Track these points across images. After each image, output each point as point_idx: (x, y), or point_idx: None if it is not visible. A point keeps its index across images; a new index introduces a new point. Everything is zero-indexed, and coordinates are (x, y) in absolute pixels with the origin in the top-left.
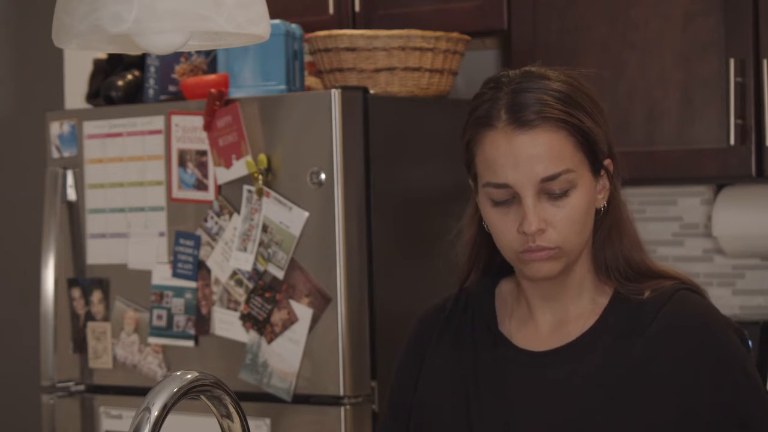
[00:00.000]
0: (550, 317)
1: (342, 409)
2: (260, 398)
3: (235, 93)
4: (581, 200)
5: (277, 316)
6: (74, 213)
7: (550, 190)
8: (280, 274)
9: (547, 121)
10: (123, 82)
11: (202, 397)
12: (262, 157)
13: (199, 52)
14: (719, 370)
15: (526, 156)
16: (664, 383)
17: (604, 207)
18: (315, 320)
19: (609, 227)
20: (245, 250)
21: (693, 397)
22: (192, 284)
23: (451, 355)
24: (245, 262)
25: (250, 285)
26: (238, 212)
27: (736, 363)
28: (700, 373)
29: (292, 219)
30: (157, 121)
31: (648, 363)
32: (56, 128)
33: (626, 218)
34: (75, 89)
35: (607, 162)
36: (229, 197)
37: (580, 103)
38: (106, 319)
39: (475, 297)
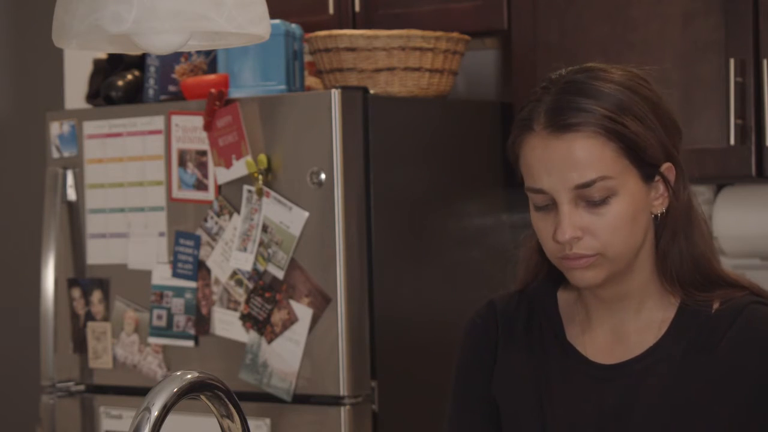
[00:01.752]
0: (612, 327)
1: (342, 409)
2: (260, 398)
3: (235, 93)
4: (623, 208)
5: (277, 316)
6: (74, 213)
7: (588, 197)
8: (280, 274)
9: (585, 126)
10: (123, 82)
11: (202, 397)
12: (262, 157)
13: (199, 52)
14: None
15: (560, 162)
16: (733, 404)
17: (662, 213)
18: (315, 320)
19: (672, 232)
20: (245, 250)
21: (764, 418)
22: (192, 284)
23: (523, 356)
24: (245, 262)
25: (250, 285)
26: (238, 212)
27: None
28: (763, 394)
29: (292, 219)
30: (157, 121)
31: (717, 383)
32: (56, 128)
33: (695, 222)
34: (75, 89)
35: (665, 167)
36: (229, 197)
37: (628, 106)
38: (106, 319)
39: (538, 301)
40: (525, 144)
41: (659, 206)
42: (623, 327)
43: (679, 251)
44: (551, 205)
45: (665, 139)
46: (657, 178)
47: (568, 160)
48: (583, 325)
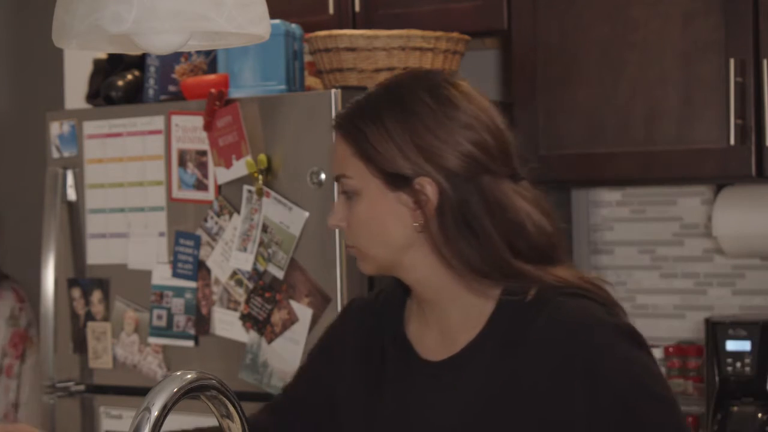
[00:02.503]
0: (437, 325)
1: None
2: (260, 398)
3: (235, 93)
4: (364, 209)
5: (277, 316)
6: (74, 213)
7: (342, 189)
8: (280, 274)
9: (338, 127)
10: (123, 82)
11: (202, 397)
12: (262, 157)
13: (199, 52)
14: (596, 378)
15: (332, 154)
16: (540, 393)
17: (420, 224)
18: (315, 320)
19: (444, 239)
20: (245, 250)
21: (564, 413)
22: (192, 284)
23: (359, 360)
24: (245, 262)
25: (250, 285)
26: (238, 212)
27: (617, 369)
28: (573, 383)
29: (292, 219)
30: (157, 121)
31: (524, 373)
32: (56, 128)
33: (480, 226)
34: (75, 89)
35: (418, 181)
36: (229, 197)
37: (377, 116)
38: (106, 319)
39: (389, 299)
40: None
41: (417, 216)
42: (447, 324)
43: (459, 254)
44: None
45: (419, 157)
46: (407, 189)
47: (333, 153)
48: (419, 323)
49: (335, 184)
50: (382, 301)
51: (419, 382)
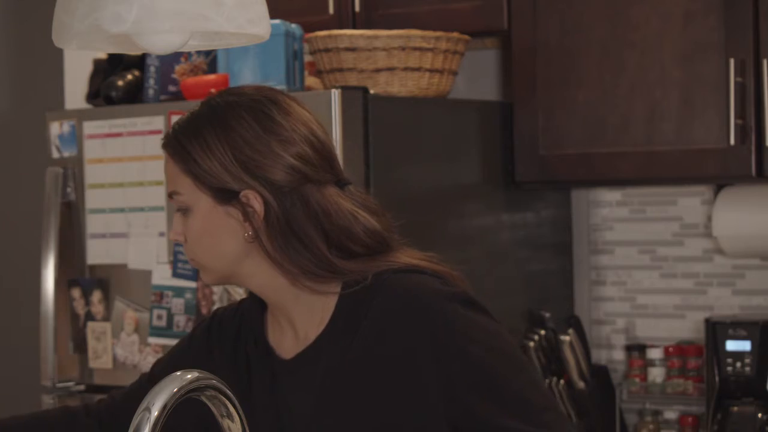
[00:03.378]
0: (290, 325)
1: None
2: None
3: None
4: (196, 223)
5: None
6: (74, 213)
7: (177, 206)
8: None
9: (164, 145)
10: (123, 82)
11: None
12: None
13: (199, 52)
14: (437, 342)
15: (164, 171)
16: (387, 367)
17: (249, 234)
18: None
19: (274, 246)
20: None
21: (414, 381)
22: (192, 284)
23: (228, 364)
24: None
25: None
26: None
27: (456, 331)
28: (416, 351)
29: None
30: (157, 121)
31: (369, 351)
32: (56, 128)
33: (303, 231)
34: (75, 89)
35: (244, 194)
36: None
37: (199, 134)
38: (106, 319)
39: (250, 308)
40: None
41: (247, 227)
42: (296, 323)
43: (291, 260)
44: None
45: (240, 171)
46: (235, 202)
47: (164, 171)
48: (276, 326)
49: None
50: (244, 309)
51: (280, 381)
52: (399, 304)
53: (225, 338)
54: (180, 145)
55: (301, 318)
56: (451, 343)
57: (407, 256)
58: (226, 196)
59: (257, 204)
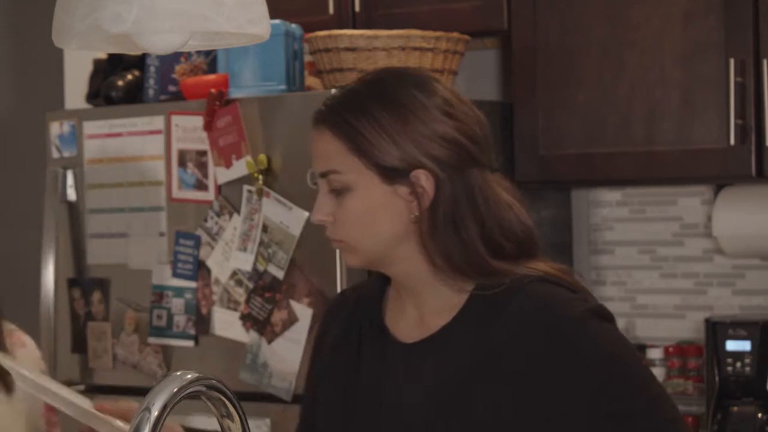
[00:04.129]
0: (415, 310)
1: None
2: (260, 398)
3: (235, 93)
4: (358, 203)
5: (277, 316)
6: (74, 213)
7: (331, 186)
8: (280, 274)
9: (323, 123)
10: (123, 82)
11: (202, 397)
12: (262, 157)
13: (199, 52)
14: (567, 353)
15: (314, 150)
16: (514, 372)
17: (416, 215)
18: (315, 320)
19: (433, 231)
20: (245, 250)
21: (543, 382)
22: (192, 284)
23: (337, 349)
24: (245, 262)
25: (250, 285)
26: (238, 212)
27: (589, 342)
28: (546, 359)
29: (292, 219)
30: (157, 121)
31: (494, 356)
32: (56, 128)
33: (463, 224)
34: (75, 89)
35: (414, 173)
36: (229, 197)
37: (369, 111)
38: (106, 319)
39: (367, 291)
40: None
41: (413, 208)
42: (423, 309)
43: (443, 252)
44: None
45: (413, 149)
46: (403, 182)
47: (316, 150)
48: (396, 309)
49: (320, 180)
50: (360, 292)
51: (392, 362)
52: (534, 313)
53: (339, 319)
54: (345, 122)
55: (429, 305)
56: (584, 354)
57: (544, 265)
58: (394, 175)
59: (428, 184)
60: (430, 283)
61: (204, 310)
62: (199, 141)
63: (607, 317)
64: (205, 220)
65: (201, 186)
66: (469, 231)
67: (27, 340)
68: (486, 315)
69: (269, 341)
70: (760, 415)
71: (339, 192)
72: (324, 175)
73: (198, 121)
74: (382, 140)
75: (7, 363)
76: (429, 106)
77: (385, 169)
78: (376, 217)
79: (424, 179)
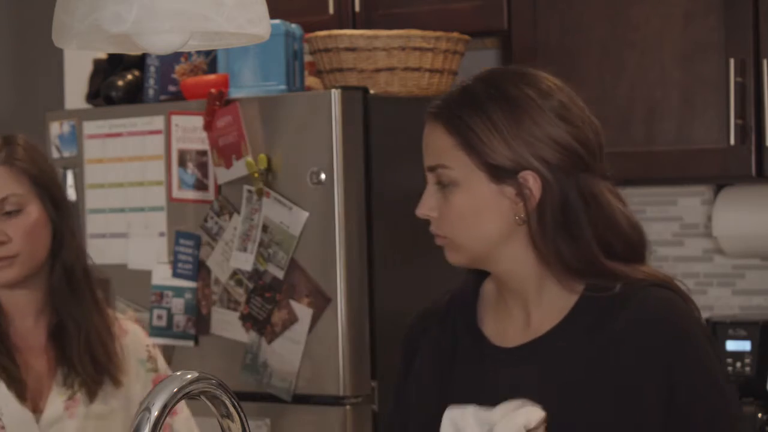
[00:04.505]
0: (519, 313)
1: (342, 409)
2: (260, 398)
3: (235, 93)
4: (463, 200)
5: (277, 316)
6: (74, 213)
7: (438, 180)
8: (280, 274)
9: (436, 117)
10: (123, 82)
11: (202, 397)
12: (262, 157)
13: (199, 52)
14: (676, 370)
15: (425, 144)
16: (625, 377)
17: (521, 217)
18: (315, 320)
19: (542, 234)
20: (245, 250)
21: (647, 389)
22: (192, 284)
23: (431, 355)
24: (245, 262)
25: (250, 285)
26: (238, 212)
27: (698, 364)
28: (661, 368)
29: (292, 219)
30: (157, 121)
31: (609, 358)
32: (56, 128)
33: (577, 223)
34: (75, 89)
35: (522, 174)
36: (229, 197)
37: (482, 108)
38: None
39: (459, 296)
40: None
41: (519, 209)
42: (528, 313)
43: (556, 251)
44: None
45: (524, 150)
46: (511, 182)
47: (426, 143)
48: (499, 313)
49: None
50: (452, 295)
51: (493, 366)
52: (651, 322)
53: (429, 328)
54: (459, 119)
55: (535, 308)
56: (691, 376)
57: (653, 270)
58: (502, 174)
59: (535, 186)
60: (539, 283)
61: (204, 310)
62: (199, 141)
63: (712, 339)
64: (205, 220)
65: (201, 186)
66: (582, 231)
67: (130, 326)
68: (599, 318)
69: (269, 341)
70: (760, 415)
71: (445, 187)
72: (432, 168)
73: (198, 121)
74: (494, 139)
75: None
76: (544, 107)
77: (493, 168)
78: (480, 216)
79: (531, 181)
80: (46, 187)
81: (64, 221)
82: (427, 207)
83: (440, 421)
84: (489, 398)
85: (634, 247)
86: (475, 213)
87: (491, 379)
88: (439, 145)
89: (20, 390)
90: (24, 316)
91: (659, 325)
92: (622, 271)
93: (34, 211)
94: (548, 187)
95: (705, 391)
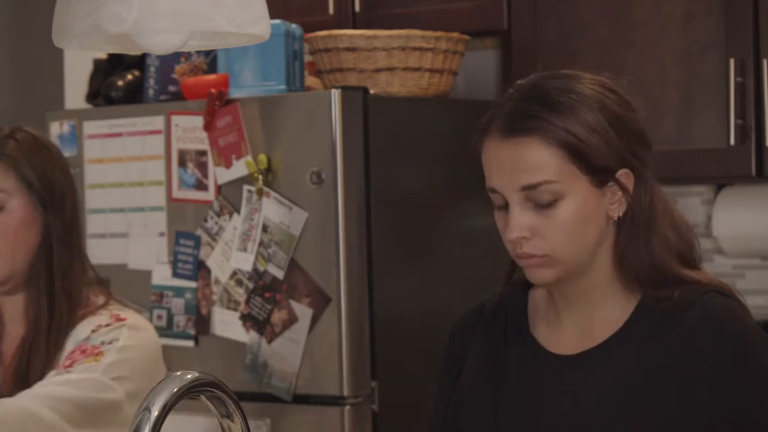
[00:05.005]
0: (576, 321)
1: (342, 409)
2: (260, 398)
3: (235, 93)
4: (571, 211)
5: (277, 316)
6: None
7: (536, 198)
8: (280, 274)
9: (532, 132)
10: (123, 82)
11: (202, 397)
12: (262, 157)
13: (199, 52)
14: (741, 375)
15: (509, 164)
16: (686, 387)
17: (619, 217)
18: (315, 320)
19: (630, 235)
20: (245, 250)
21: (710, 398)
22: (192, 284)
23: (483, 358)
24: (245, 262)
25: (250, 285)
26: (238, 212)
27: (760, 370)
28: (722, 376)
29: (292, 219)
30: (157, 121)
31: (671, 366)
32: (56, 128)
33: (656, 226)
34: (75, 89)
35: (620, 173)
36: (229, 197)
37: (577, 114)
38: None
39: (508, 300)
40: (483, 146)
41: (616, 210)
42: (586, 322)
43: (637, 253)
44: (506, 205)
45: (620, 147)
46: (611, 183)
47: (515, 163)
48: (550, 320)
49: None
50: (499, 301)
51: (550, 374)
52: (713, 330)
53: (476, 329)
54: (556, 127)
55: (595, 316)
56: (751, 388)
57: (709, 276)
58: (603, 177)
59: (630, 184)
60: (605, 291)
61: (204, 310)
62: (199, 141)
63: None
64: (205, 220)
65: (201, 186)
66: (663, 234)
67: (131, 318)
68: (659, 325)
69: (269, 341)
70: None
71: (545, 204)
72: (532, 187)
73: (198, 121)
74: (594, 140)
75: None
76: (623, 106)
77: (598, 171)
78: (586, 224)
79: (625, 178)
80: (38, 185)
81: (57, 225)
82: (523, 228)
83: (495, 423)
84: (549, 407)
85: (691, 250)
86: (583, 222)
87: (550, 387)
88: (539, 160)
89: None
90: (14, 324)
91: (722, 333)
92: (689, 276)
93: (17, 209)
94: (640, 183)
95: (764, 408)
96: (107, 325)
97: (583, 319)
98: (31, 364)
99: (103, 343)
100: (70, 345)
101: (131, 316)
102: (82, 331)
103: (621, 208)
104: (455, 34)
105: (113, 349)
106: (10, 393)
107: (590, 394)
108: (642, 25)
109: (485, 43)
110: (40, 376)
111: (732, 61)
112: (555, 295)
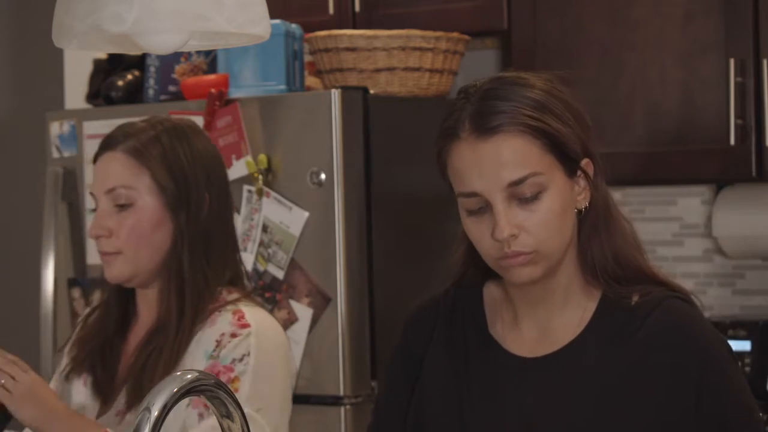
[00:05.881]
0: (536, 324)
1: (342, 409)
2: None
3: (235, 93)
4: (554, 202)
5: (277, 316)
6: (74, 213)
7: (520, 194)
8: (280, 274)
9: (509, 126)
10: (123, 82)
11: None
12: (262, 157)
13: (199, 52)
14: (705, 375)
15: (490, 163)
16: (650, 388)
17: (586, 207)
18: (315, 320)
19: (593, 225)
20: (245, 250)
21: (678, 401)
22: None
23: (445, 356)
24: (245, 262)
25: (250, 285)
26: (238, 212)
27: (722, 371)
28: (686, 378)
29: (292, 219)
30: None
31: (634, 368)
32: (56, 128)
33: (613, 217)
34: (75, 89)
35: (584, 162)
36: None
37: (546, 105)
38: None
39: (463, 297)
40: (452, 152)
41: (583, 201)
42: (548, 323)
43: (600, 245)
44: (484, 208)
45: (582, 135)
46: (579, 173)
47: (497, 161)
48: (509, 322)
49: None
50: (455, 296)
51: (514, 377)
52: (677, 336)
53: (437, 326)
54: (535, 120)
55: (556, 317)
56: (717, 393)
57: (657, 273)
58: (573, 166)
59: (591, 172)
60: (566, 292)
61: None
62: None
63: (734, 356)
64: None
65: None
66: (621, 224)
67: (251, 317)
68: (621, 327)
69: None
70: (760, 415)
71: (529, 198)
72: (520, 182)
73: (198, 121)
74: (565, 130)
75: None
76: (568, 93)
77: (569, 161)
78: (566, 216)
79: (588, 167)
80: (172, 187)
81: (190, 229)
82: (511, 226)
83: (463, 425)
84: (517, 409)
85: (640, 243)
86: (563, 214)
87: (516, 390)
88: (522, 153)
89: (102, 393)
90: (148, 312)
91: (684, 343)
92: (650, 269)
93: (145, 209)
94: (597, 172)
95: (731, 394)
96: (233, 336)
97: (544, 321)
98: (147, 367)
99: (234, 361)
100: (194, 348)
101: (254, 317)
102: (207, 338)
103: (586, 199)
104: (455, 34)
105: (248, 374)
106: (122, 385)
107: (561, 396)
108: (642, 26)
109: (485, 43)
110: (153, 378)
111: (732, 61)
112: (515, 296)
